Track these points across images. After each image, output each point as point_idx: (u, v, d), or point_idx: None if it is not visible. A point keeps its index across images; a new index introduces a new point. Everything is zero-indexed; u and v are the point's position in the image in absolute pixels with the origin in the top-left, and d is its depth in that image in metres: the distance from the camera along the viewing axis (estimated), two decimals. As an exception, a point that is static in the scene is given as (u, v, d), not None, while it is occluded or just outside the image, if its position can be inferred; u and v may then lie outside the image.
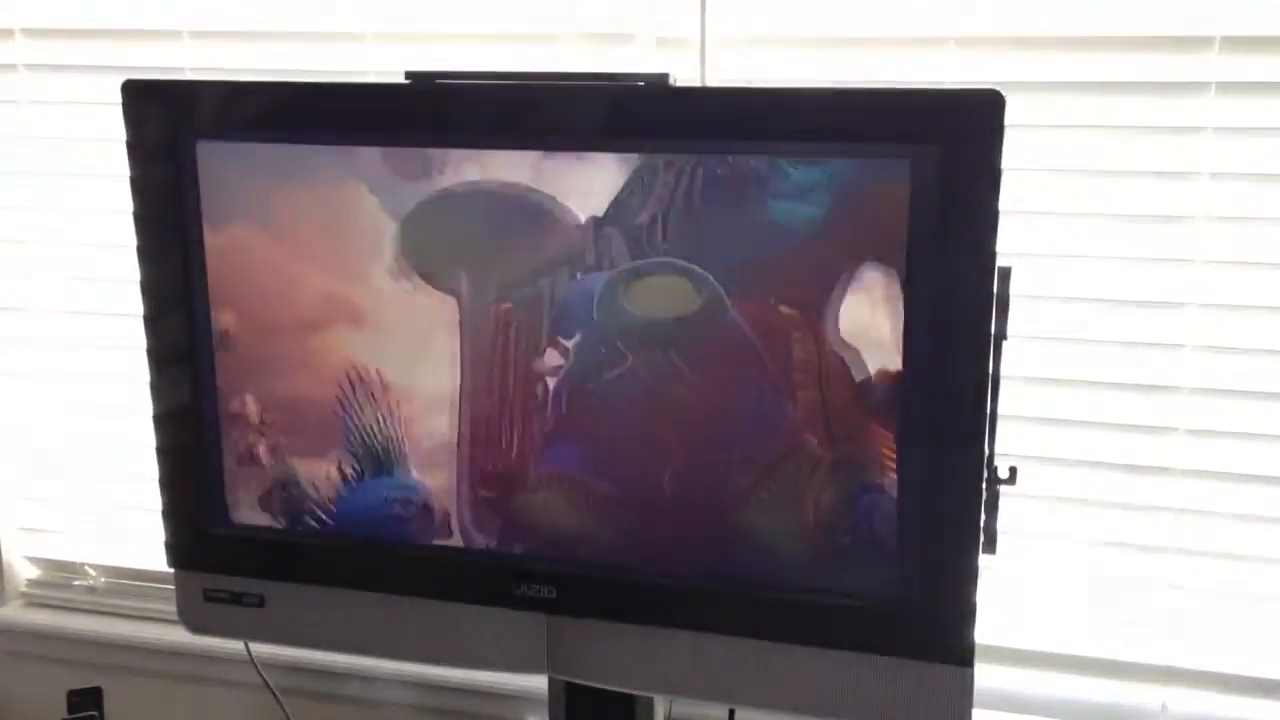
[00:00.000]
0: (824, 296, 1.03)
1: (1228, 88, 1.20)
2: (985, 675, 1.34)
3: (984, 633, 1.07)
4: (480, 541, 1.16)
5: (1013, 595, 1.37)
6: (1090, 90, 1.23)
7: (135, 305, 1.20)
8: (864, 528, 1.06)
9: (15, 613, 1.72)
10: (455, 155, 1.08)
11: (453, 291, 1.11)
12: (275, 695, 1.47)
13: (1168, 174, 1.24)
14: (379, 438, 1.17)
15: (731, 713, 1.35)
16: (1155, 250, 1.26)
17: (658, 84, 1.06)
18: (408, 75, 1.11)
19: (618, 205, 1.05)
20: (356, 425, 1.17)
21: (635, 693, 1.20)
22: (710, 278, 1.04)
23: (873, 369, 1.03)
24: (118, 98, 1.16)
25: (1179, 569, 1.33)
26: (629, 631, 1.15)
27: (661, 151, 1.03)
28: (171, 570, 1.26)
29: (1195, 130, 1.22)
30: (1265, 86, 1.20)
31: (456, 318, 1.12)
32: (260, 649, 1.39)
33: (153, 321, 1.20)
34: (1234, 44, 1.19)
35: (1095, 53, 1.22)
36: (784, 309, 1.04)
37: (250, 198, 1.14)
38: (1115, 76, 1.22)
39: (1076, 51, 1.23)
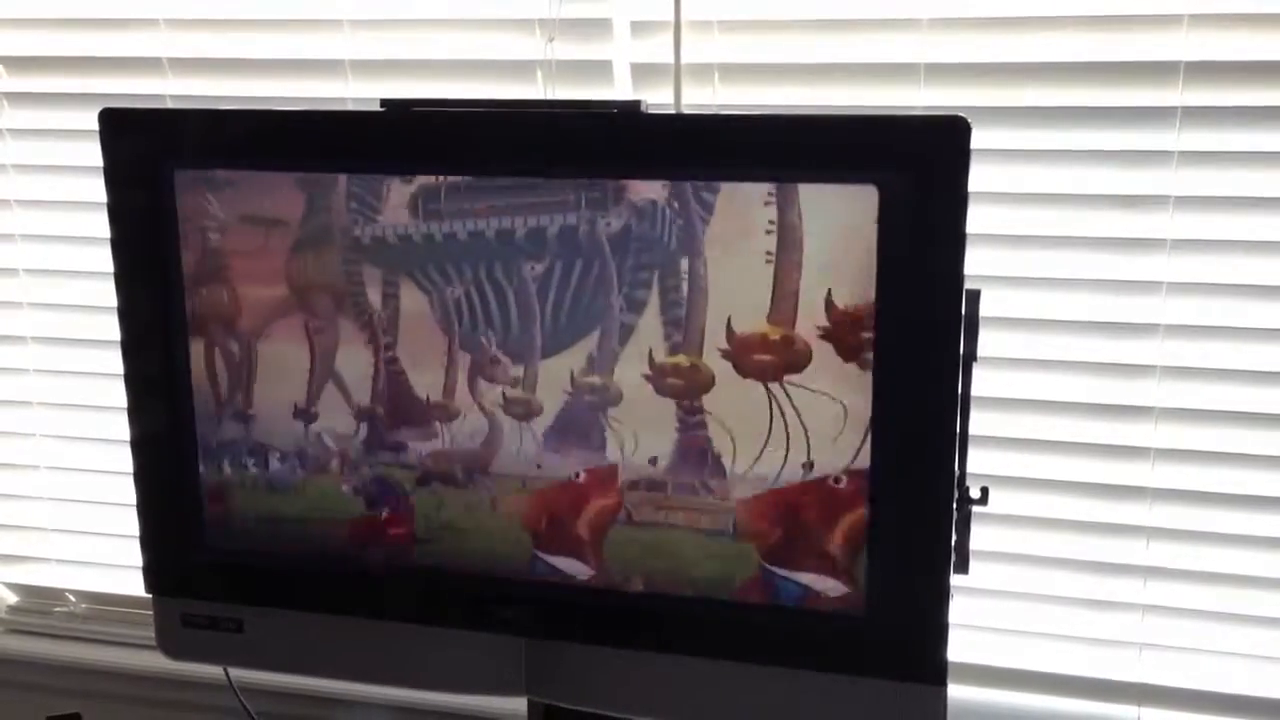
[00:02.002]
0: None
1: (1193, 113, 1.22)
2: (958, 694, 1.35)
3: (957, 651, 1.08)
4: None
5: (985, 614, 1.38)
6: (1058, 116, 1.25)
7: (114, 332, 1.21)
8: (837, 547, 1.07)
9: (-5, 639, 1.73)
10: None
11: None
12: (255, 720, 1.47)
13: (1136, 198, 1.25)
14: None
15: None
16: (1126, 273, 1.27)
17: (631, 110, 1.08)
18: (383, 103, 1.12)
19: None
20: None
21: (613, 714, 1.21)
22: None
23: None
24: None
25: (1151, 588, 1.34)
26: (606, 654, 1.15)
27: (634, 177, 1.04)
28: (151, 596, 1.27)
29: (1163, 154, 1.24)
30: (1230, 111, 1.22)
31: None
32: (240, 674, 1.39)
33: (131, 348, 1.21)
34: (1199, 69, 1.21)
35: (1062, 79, 1.24)
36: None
37: (227, 224, 1.15)
38: (1082, 102, 1.24)
39: (1044, 78, 1.24)
